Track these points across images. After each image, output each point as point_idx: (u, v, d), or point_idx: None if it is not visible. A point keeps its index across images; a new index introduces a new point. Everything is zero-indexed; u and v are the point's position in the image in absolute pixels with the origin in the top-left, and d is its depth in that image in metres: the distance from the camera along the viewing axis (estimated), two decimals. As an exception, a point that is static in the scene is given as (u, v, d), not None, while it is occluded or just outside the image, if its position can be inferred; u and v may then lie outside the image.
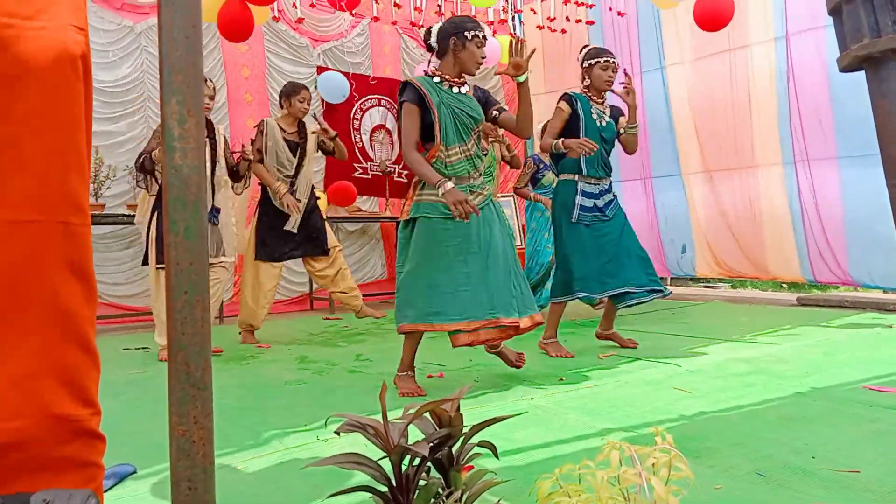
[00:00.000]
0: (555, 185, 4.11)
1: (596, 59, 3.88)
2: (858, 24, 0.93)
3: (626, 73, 3.99)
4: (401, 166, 7.53)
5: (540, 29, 7.42)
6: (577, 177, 3.91)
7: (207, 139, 4.15)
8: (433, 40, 3.17)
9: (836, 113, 5.75)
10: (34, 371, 1.03)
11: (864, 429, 2.30)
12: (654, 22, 7.07)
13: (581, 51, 4.05)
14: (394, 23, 7.00)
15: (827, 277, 6.05)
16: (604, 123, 3.92)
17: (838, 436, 2.23)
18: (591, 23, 7.28)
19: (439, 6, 6.96)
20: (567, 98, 3.92)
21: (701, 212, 6.94)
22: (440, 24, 3.19)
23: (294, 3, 6.27)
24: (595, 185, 3.92)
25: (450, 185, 2.95)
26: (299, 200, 4.57)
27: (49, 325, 1.04)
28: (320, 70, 6.85)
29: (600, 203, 3.92)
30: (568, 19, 6.99)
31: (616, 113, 4.04)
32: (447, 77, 3.12)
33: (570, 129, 3.87)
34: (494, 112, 3.23)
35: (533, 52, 3.10)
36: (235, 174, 4.38)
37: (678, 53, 6.91)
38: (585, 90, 3.96)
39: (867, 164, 5.41)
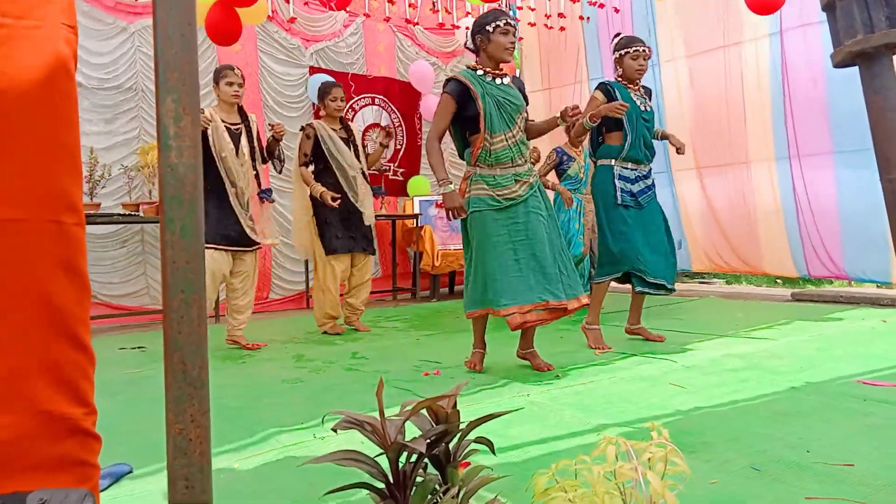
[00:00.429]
0: (591, 173, 4.18)
1: (626, 49, 3.90)
2: (852, 20, 0.93)
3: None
4: (396, 164, 7.52)
5: (531, 26, 7.43)
6: (613, 161, 3.92)
7: (242, 125, 4.24)
8: (469, 43, 3.41)
9: (830, 108, 5.77)
10: (25, 369, 1.02)
11: (858, 423, 2.31)
12: (648, 19, 7.08)
13: (613, 40, 4.07)
14: (387, 19, 6.98)
15: (821, 272, 6.08)
16: (648, 108, 3.97)
17: (832, 430, 2.24)
18: (584, 18, 7.29)
19: (434, 3, 6.96)
20: (602, 87, 3.93)
21: (696, 208, 6.96)
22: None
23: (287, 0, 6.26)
24: (633, 170, 3.94)
25: (450, 187, 3.23)
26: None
27: (41, 323, 1.03)
28: (313, 70, 6.83)
29: (635, 189, 3.93)
30: (562, 16, 7.00)
31: (650, 93, 4.11)
32: (488, 70, 3.33)
33: (608, 118, 3.83)
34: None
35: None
36: (270, 154, 4.46)
37: (672, 50, 6.92)
38: (619, 78, 3.98)
39: (862, 159, 5.43)
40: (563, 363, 3.50)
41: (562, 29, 7.20)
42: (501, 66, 3.36)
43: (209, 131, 4.09)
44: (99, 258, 5.62)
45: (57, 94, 1.04)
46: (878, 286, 6.28)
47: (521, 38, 8.54)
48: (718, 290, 7.11)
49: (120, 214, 5.27)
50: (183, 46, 0.77)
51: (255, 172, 4.30)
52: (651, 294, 4.01)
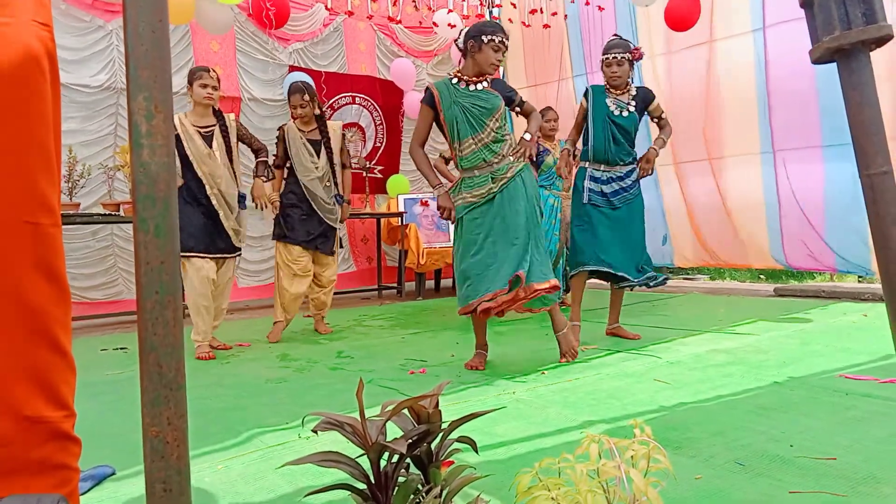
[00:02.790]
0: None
1: (603, 56, 3.99)
2: (829, 17, 0.94)
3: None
4: (375, 162, 7.49)
5: (511, 22, 7.43)
6: (586, 163, 4.09)
7: (216, 126, 4.12)
8: (460, 42, 3.46)
9: (814, 103, 5.81)
10: (2, 373, 1.01)
11: (840, 417, 2.33)
12: (629, 15, 7.10)
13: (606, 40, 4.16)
14: (370, 17, 6.95)
15: (804, 264, 6.13)
16: (625, 114, 3.98)
17: (815, 424, 2.26)
18: (556, 13, 7.29)
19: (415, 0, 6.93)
20: (585, 92, 4.14)
21: (679, 203, 6.99)
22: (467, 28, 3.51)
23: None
24: (605, 171, 4.03)
25: (441, 190, 3.43)
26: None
27: (18, 326, 1.02)
28: (292, 69, 6.79)
29: (607, 189, 4.01)
30: (541, 11, 7.00)
31: (643, 96, 4.06)
32: (465, 77, 3.43)
33: (586, 121, 4.08)
34: (517, 108, 3.58)
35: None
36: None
37: (655, 45, 6.94)
38: (605, 84, 4.06)
39: (845, 153, 5.48)
40: (548, 360, 3.50)
41: (545, 26, 7.21)
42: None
43: (182, 139, 4.01)
44: (79, 259, 5.57)
45: (30, 93, 1.02)
46: (859, 279, 6.35)
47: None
48: (702, 286, 7.16)
49: (100, 214, 5.22)
50: (154, 43, 0.76)
51: (233, 173, 4.21)
52: (626, 286, 4.05)
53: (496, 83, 3.51)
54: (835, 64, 0.97)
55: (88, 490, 1.93)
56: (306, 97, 4.53)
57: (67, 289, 1.09)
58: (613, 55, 3.92)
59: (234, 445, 2.29)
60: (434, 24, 7.36)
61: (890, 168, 0.92)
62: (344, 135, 4.88)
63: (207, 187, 4.05)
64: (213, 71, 4.13)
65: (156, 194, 0.77)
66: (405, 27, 7.71)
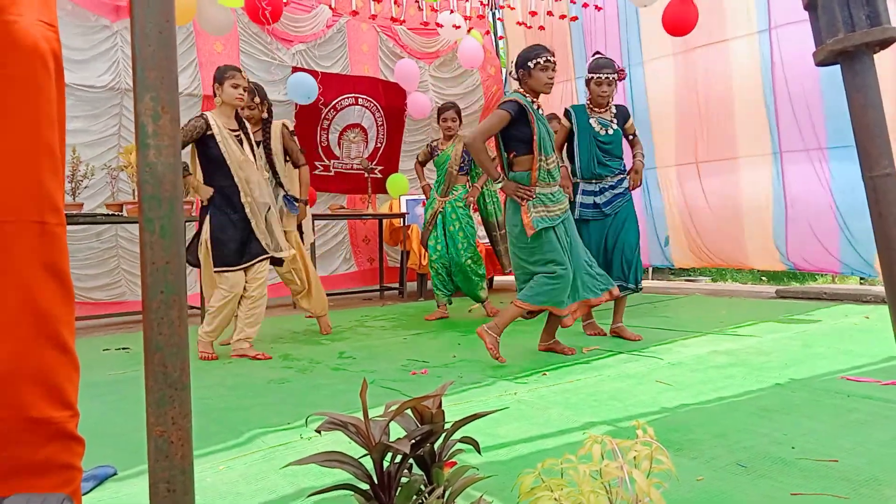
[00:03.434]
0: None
1: (591, 75, 4.09)
2: (833, 19, 0.94)
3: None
4: (375, 162, 7.49)
5: (520, 25, 7.43)
6: (577, 179, 4.23)
7: (241, 132, 3.99)
8: (514, 73, 3.66)
9: (822, 104, 5.81)
10: (9, 373, 1.01)
11: (842, 419, 2.33)
12: (634, 17, 7.10)
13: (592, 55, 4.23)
14: (373, 17, 6.96)
15: (807, 266, 6.13)
16: (609, 132, 4.13)
17: (817, 426, 2.26)
18: (574, 18, 7.30)
19: (418, 0, 6.93)
20: (566, 112, 4.25)
21: (682, 204, 6.99)
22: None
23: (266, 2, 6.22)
24: (597, 183, 4.16)
25: (504, 181, 3.63)
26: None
27: (25, 326, 1.02)
28: (295, 70, 6.80)
29: (600, 200, 4.15)
30: (550, 14, 7.01)
31: (623, 113, 4.23)
32: (534, 99, 3.64)
33: (570, 139, 4.22)
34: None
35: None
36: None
37: (661, 48, 6.94)
38: (588, 101, 4.19)
39: (849, 155, 5.48)
40: (550, 361, 3.50)
41: (541, 28, 7.20)
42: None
43: (218, 141, 3.85)
44: (83, 259, 5.57)
45: (35, 92, 1.02)
46: (861, 281, 6.35)
47: (501, 37, 8.57)
48: (704, 288, 7.15)
49: (103, 214, 5.22)
50: (161, 44, 0.76)
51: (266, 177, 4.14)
52: (626, 293, 4.12)
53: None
54: (838, 66, 0.97)
55: (90, 490, 1.94)
56: (256, 99, 4.40)
57: (72, 288, 1.10)
58: (604, 75, 4.02)
59: (236, 446, 2.30)
60: (438, 24, 7.37)
61: (893, 170, 0.92)
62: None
63: (242, 194, 3.91)
64: (245, 74, 3.98)
65: (161, 195, 0.77)
66: (408, 28, 7.72)
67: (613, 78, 4.04)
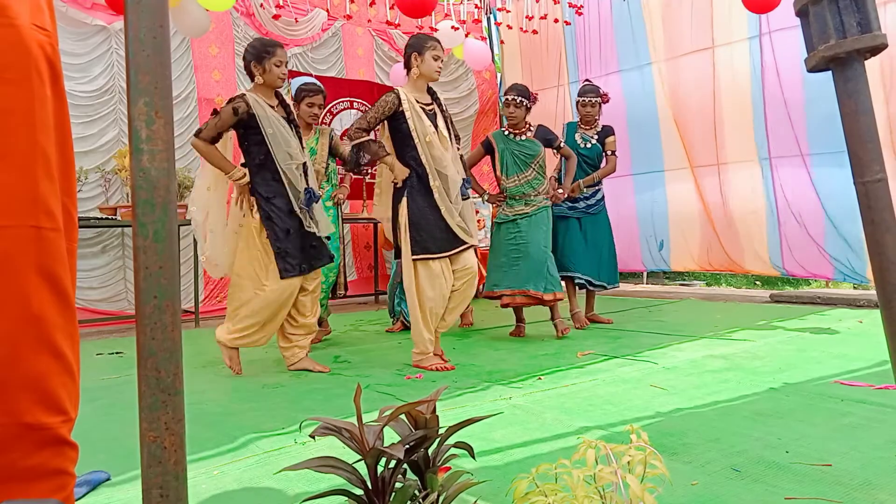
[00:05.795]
0: None
1: (579, 98, 4.89)
2: (825, 26, 0.94)
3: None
4: (372, 168, 7.48)
5: (510, 29, 7.45)
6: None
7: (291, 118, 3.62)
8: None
9: (810, 111, 5.84)
10: (4, 379, 1.00)
11: (835, 423, 2.34)
12: (629, 22, 7.13)
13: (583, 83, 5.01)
14: (369, 20, 6.96)
15: (801, 272, 6.15)
16: (588, 146, 4.88)
17: (811, 430, 2.26)
18: (567, 23, 7.32)
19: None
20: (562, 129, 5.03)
21: (678, 208, 7.00)
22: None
23: (262, 4, 6.22)
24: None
25: (486, 195, 4.54)
26: None
27: (20, 331, 1.01)
28: (291, 74, 6.79)
29: (581, 206, 4.86)
30: (544, 17, 7.02)
31: (606, 131, 4.92)
32: (510, 130, 4.45)
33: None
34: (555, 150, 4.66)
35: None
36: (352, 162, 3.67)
37: (655, 52, 6.97)
38: (579, 119, 4.95)
39: (841, 160, 5.51)
40: (544, 366, 3.50)
41: (534, 32, 7.22)
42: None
43: (262, 124, 3.40)
44: (77, 262, 5.55)
45: (29, 96, 1.02)
46: (854, 286, 6.37)
47: (502, 42, 8.58)
48: (698, 292, 7.17)
49: (97, 218, 5.21)
50: (155, 49, 0.76)
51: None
52: (590, 288, 4.89)
53: (539, 130, 4.46)
54: (816, 73, 0.98)
55: (83, 496, 1.93)
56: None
57: (69, 293, 1.09)
58: (590, 98, 4.83)
59: (230, 451, 2.29)
60: (432, 28, 7.37)
61: (885, 176, 0.93)
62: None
63: (293, 189, 3.49)
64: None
65: (155, 199, 0.77)
66: (403, 32, 7.72)
67: (597, 101, 4.83)
